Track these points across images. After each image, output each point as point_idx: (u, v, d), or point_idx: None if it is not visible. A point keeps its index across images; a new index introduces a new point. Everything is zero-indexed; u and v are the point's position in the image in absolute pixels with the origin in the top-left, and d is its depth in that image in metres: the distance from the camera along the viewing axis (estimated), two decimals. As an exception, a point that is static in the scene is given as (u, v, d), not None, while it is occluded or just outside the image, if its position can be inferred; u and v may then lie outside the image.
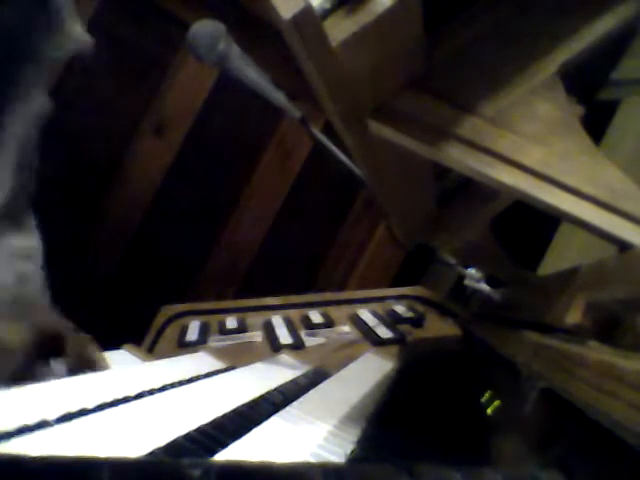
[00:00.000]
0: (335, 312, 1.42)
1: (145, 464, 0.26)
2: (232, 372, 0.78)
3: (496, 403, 0.65)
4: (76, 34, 0.78)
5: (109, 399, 0.51)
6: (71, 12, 0.78)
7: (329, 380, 0.82)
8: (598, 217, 0.58)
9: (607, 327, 0.48)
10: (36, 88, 0.77)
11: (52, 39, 0.75)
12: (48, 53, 0.76)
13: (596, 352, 0.44)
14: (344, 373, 0.89)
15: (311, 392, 0.70)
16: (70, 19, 0.77)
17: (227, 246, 2.09)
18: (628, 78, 1.31)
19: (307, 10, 0.48)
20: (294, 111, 0.89)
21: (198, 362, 0.77)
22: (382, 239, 2.29)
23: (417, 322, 1.33)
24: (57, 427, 0.42)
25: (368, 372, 0.91)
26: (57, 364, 0.72)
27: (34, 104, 0.74)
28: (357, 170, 0.88)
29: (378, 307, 1.42)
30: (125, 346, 1.13)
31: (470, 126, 0.62)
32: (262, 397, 0.65)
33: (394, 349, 1.18)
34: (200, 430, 0.48)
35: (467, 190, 1.19)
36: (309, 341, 1.23)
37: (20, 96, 0.73)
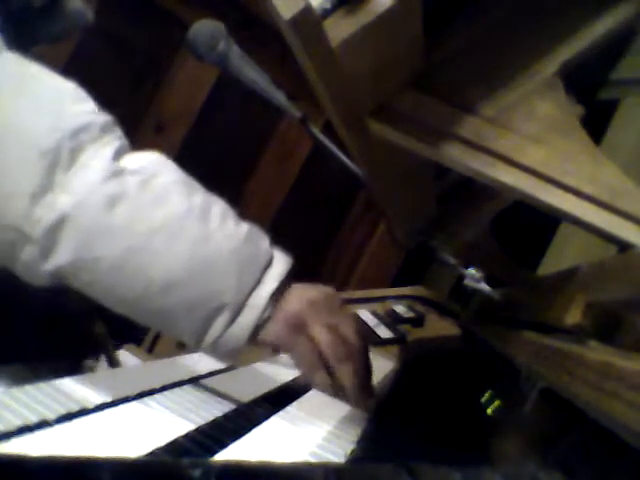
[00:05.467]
0: (335, 312, 1.41)
1: (145, 464, 0.26)
2: (232, 372, 0.78)
3: (496, 403, 0.65)
4: (77, 8, 0.78)
5: (109, 399, 0.51)
6: None
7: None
8: (598, 217, 0.58)
9: (607, 327, 0.48)
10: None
11: (52, 15, 0.74)
12: (49, 29, 0.75)
13: (596, 352, 0.44)
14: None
15: (311, 392, 0.70)
16: None
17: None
18: (628, 78, 1.31)
19: (307, 10, 0.48)
20: (294, 111, 0.89)
21: (198, 362, 0.77)
22: (382, 239, 2.29)
23: (417, 322, 1.33)
24: (57, 427, 0.42)
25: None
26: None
27: None
28: (357, 170, 0.88)
29: (378, 307, 1.41)
30: (125, 346, 1.13)
31: (470, 126, 0.62)
32: (262, 397, 0.65)
33: (394, 349, 1.18)
34: (200, 430, 0.48)
35: (467, 190, 1.19)
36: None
37: None
